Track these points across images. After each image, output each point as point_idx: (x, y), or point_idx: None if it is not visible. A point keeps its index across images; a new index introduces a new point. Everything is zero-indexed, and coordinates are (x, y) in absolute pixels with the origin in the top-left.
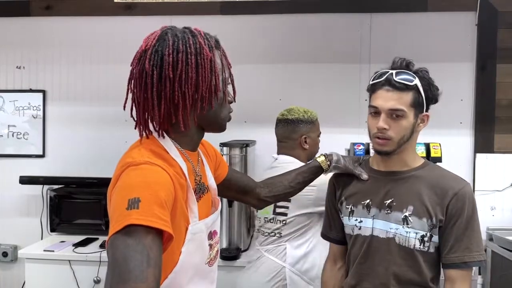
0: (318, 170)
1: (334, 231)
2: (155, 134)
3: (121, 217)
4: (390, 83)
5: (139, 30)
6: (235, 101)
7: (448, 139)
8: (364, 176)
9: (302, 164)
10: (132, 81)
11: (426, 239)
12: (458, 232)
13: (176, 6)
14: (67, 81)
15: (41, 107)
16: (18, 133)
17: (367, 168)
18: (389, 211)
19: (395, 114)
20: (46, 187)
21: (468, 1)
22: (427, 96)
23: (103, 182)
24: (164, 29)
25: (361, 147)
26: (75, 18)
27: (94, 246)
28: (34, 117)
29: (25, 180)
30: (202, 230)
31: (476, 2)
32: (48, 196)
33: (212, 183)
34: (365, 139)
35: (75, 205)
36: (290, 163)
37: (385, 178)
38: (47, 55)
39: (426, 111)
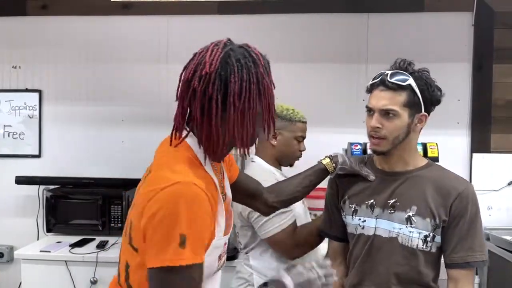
0: (324, 173)
1: (334, 228)
2: (191, 144)
3: (171, 253)
4: (384, 83)
5: (135, 30)
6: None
7: (445, 139)
8: (372, 177)
9: (266, 165)
10: (189, 98)
11: (429, 239)
12: (461, 232)
13: (173, 6)
14: (63, 81)
15: (37, 107)
16: (14, 133)
17: (372, 167)
18: (392, 211)
19: (388, 114)
20: (42, 187)
21: (465, 1)
22: (424, 97)
23: (100, 182)
24: (227, 49)
25: (359, 147)
26: (71, 17)
27: (90, 247)
28: (30, 117)
29: (21, 181)
30: (222, 244)
31: (473, 3)
32: (44, 196)
33: (228, 192)
34: (363, 139)
35: (72, 205)
36: (251, 163)
37: (389, 178)
38: (43, 55)
39: (427, 111)
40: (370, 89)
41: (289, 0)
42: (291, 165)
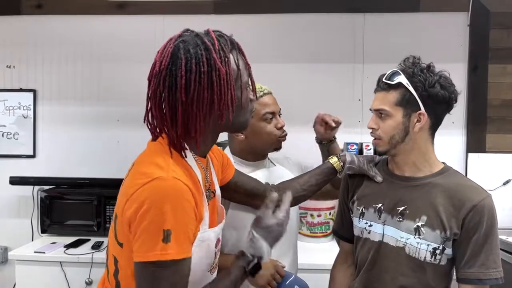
0: (332, 172)
1: (345, 229)
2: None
3: (157, 248)
4: (378, 84)
5: (131, 29)
6: (256, 99)
7: (440, 139)
8: (378, 178)
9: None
10: (150, 95)
11: (438, 251)
12: (475, 248)
13: (169, 5)
14: (58, 81)
15: (32, 107)
16: (8, 133)
17: (384, 169)
18: (400, 219)
19: (381, 114)
20: (36, 187)
21: (460, 1)
22: (420, 94)
23: (95, 183)
24: (177, 43)
25: (354, 146)
26: (66, 16)
27: (85, 247)
28: (24, 117)
29: (16, 181)
30: (210, 238)
31: (468, 3)
32: (39, 197)
33: (217, 189)
34: (359, 138)
35: (67, 206)
36: None
37: (400, 183)
38: (37, 54)
39: (429, 109)
40: (374, 91)
41: (285, 0)
42: (276, 149)
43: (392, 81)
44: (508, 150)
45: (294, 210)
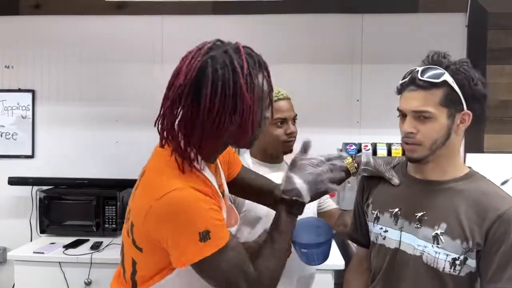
0: (345, 173)
1: (360, 233)
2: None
3: (199, 248)
4: (414, 82)
5: (130, 30)
6: (272, 117)
7: None
8: (395, 181)
9: (246, 159)
10: (168, 102)
11: (458, 262)
12: (502, 260)
13: (168, 6)
14: (57, 81)
15: (30, 107)
16: (7, 133)
17: (402, 172)
18: (418, 225)
19: (422, 116)
20: (35, 188)
21: (458, 2)
22: (464, 92)
23: (94, 183)
24: (205, 58)
25: (353, 147)
26: (64, 17)
27: (84, 248)
28: (23, 117)
29: (14, 181)
30: None
31: (466, 4)
32: (38, 197)
33: (226, 188)
34: (357, 139)
35: (65, 206)
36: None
37: (420, 186)
38: (36, 55)
39: (470, 109)
40: (400, 90)
41: (284, 0)
42: (285, 152)
43: (437, 78)
44: (506, 150)
45: (312, 209)
